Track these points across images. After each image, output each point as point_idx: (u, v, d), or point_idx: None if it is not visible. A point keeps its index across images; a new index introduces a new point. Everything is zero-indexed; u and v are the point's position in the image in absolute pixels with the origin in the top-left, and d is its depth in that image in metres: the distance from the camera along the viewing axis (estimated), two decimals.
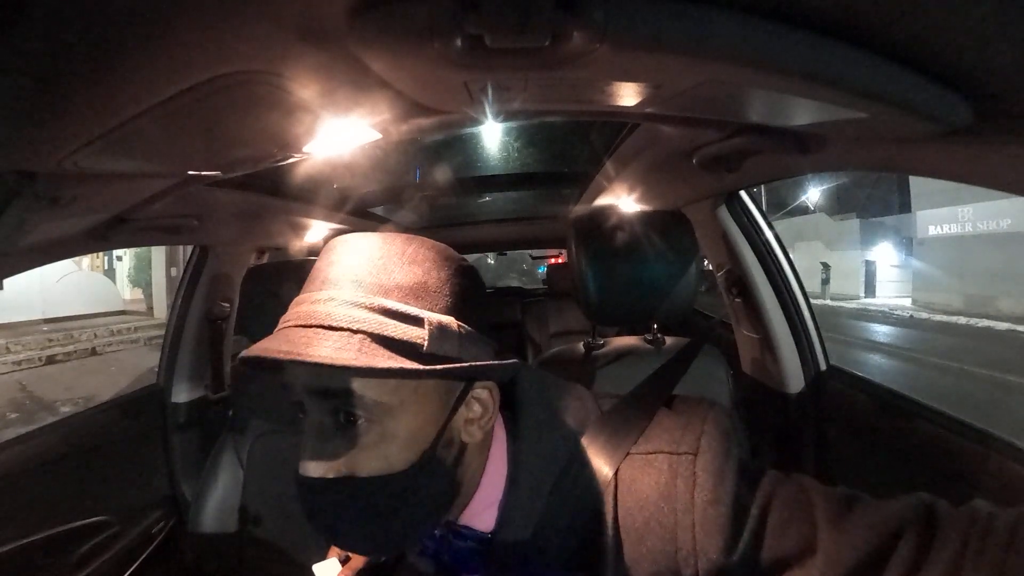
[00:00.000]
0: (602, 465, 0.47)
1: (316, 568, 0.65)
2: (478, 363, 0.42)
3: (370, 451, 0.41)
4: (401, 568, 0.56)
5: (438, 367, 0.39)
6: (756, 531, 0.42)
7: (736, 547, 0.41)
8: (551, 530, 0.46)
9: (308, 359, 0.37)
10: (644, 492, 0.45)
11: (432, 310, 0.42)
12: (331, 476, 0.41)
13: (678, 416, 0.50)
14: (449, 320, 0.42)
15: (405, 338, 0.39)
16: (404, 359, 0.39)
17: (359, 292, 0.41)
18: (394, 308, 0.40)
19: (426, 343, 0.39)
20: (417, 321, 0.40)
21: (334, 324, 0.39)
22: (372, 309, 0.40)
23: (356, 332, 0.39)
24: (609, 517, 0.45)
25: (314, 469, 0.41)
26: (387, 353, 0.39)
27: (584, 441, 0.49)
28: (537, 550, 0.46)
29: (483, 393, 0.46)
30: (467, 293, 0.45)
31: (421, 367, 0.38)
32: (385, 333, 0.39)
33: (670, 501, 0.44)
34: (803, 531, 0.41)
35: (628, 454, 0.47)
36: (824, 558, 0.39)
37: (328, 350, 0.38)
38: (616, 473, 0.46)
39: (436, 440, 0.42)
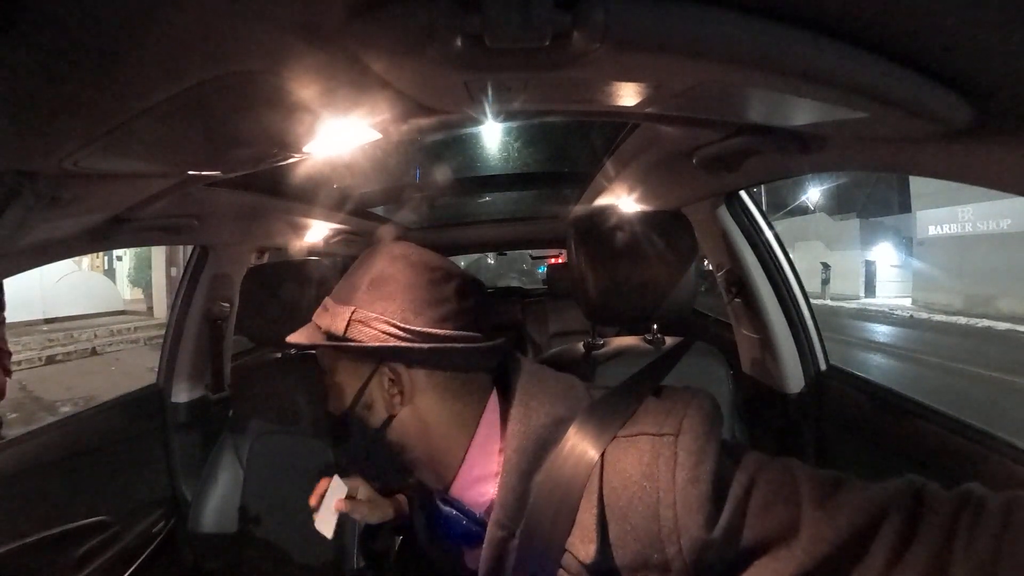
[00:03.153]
0: (589, 448, 0.49)
1: (334, 480, 0.74)
2: (344, 344, 0.53)
3: (328, 395, 0.58)
4: (408, 545, 0.64)
5: (319, 343, 0.55)
6: (738, 510, 0.43)
7: (716, 524, 0.42)
8: (542, 511, 0.48)
9: (289, 340, 0.59)
10: (627, 472, 0.46)
11: (347, 302, 0.54)
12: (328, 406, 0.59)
13: (664, 402, 0.51)
14: (345, 308, 0.53)
15: (318, 322, 0.56)
16: (320, 337, 0.55)
17: (330, 294, 0.58)
18: (324, 303, 0.57)
19: (323, 326, 0.55)
20: (327, 310, 0.56)
21: (314, 316, 0.59)
22: (322, 305, 0.58)
23: (312, 321, 0.58)
24: (595, 497, 0.47)
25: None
26: (316, 333, 0.56)
27: (573, 427, 0.51)
28: (529, 530, 0.48)
29: (400, 373, 0.53)
30: (396, 287, 0.54)
31: (316, 342, 0.55)
32: (315, 319, 0.58)
33: (652, 480, 0.45)
34: (787, 511, 0.42)
35: (614, 437, 0.49)
36: (807, 538, 0.40)
37: (297, 333, 0.59)
38: (602, 455, 0.48)
39: (355, 400, 0.55)
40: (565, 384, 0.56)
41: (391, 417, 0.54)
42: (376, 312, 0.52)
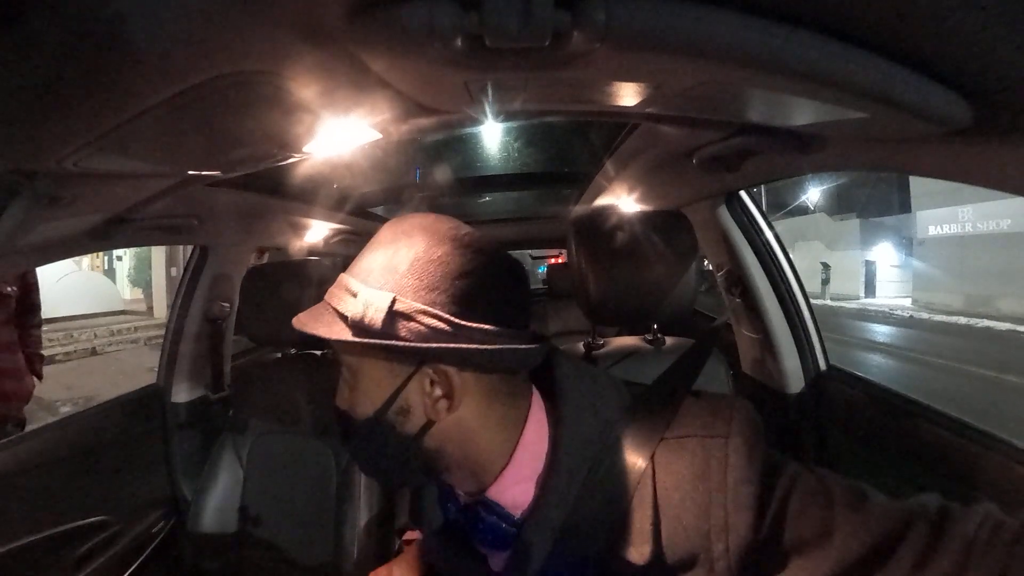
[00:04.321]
0: (639, 450, 0.48)
1: None
2: (388, 342, 0.44)
3: (348, 394, 0.50)
4: (428, 546, 0.60)
5: (347, 339, 0.44)
6: (779, 513, 0.43)
7: (762, 526, 0.43)
8: (584, 513, 0.47)
9: (295, 323, 0.48)
10: (680, 473, 0.46)
11: (383, 288, 0.45)
12: (337, 403, 0.52)
13: (706, 404, 0.51)
14: (382, 296, 0.44)
15: (342, 309, 0.45)
16: (345, 329, 0.45)
17: (348, 272, 0.49)
18: (348, 284, 0.47)
19: (350, 314, 0.44)
20: (355, 296, 0.45)
21: (326, 298, 0.49)
22: (339, 285, 0.48)
23: (327, 305, 0.48)
24: (648, 499, 0.46)
25: (336, 397, 0.52)
26: (337, 322, 0.46)
27: (620, 427, 0.50)
28: (569, 533, 0.47)
29: (449, 376, 0.46)
30: (446, 274, 0.45)
31: (346, 338, 0.44)
32: (335, 305, 0.47)
33: (704, 480, 0.45)
34: (822, 516, 0.42)
35: (662, 439, 0.49)
36: (840, 540, 0.41)
37: (303, 314, 0.49)
38: (652, 458, 0.48)
39: (386, 405, 0.47)
40: (607, 382, 0.55)
41: (430, 423, 0.47)
42: (422, 302, 0.44)
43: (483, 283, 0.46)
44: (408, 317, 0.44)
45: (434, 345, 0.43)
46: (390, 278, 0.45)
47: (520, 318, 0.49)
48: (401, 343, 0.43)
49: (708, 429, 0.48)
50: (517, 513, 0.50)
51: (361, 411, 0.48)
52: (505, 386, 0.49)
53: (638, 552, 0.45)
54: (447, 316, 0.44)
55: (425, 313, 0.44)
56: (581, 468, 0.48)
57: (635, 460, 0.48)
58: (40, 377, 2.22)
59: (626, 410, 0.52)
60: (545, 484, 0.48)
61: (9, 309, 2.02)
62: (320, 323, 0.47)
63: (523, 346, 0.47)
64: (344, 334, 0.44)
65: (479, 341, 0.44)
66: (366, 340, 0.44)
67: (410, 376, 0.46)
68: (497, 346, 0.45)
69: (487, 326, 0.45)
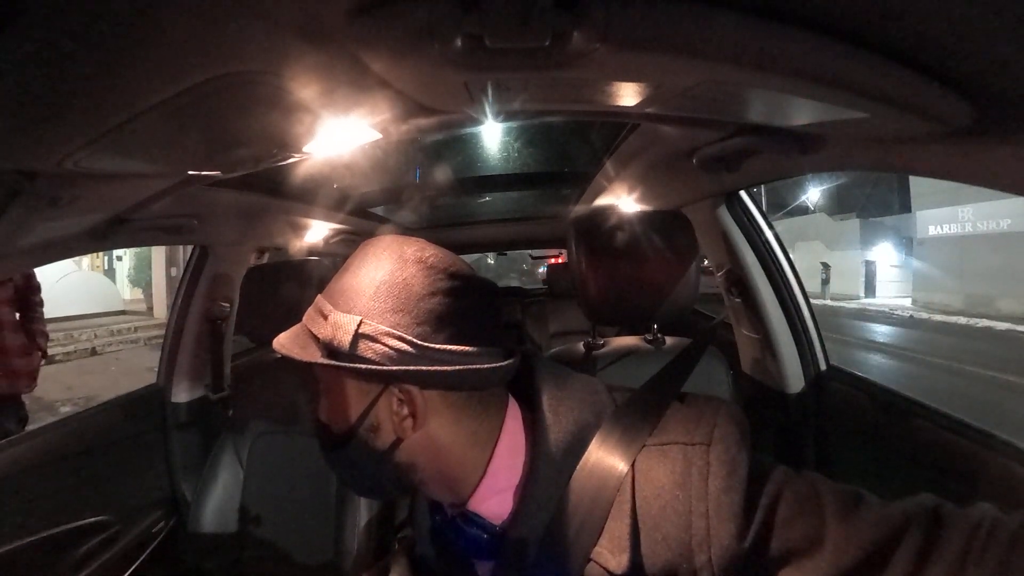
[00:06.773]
0: (619, 457, 0.48)
1: None
2: (352, 365, 0.45)
3: (326, 408, 0.52)
4: (410, 558, 0.60)
5: (318, 361, 0.46)
6: (765, 521, 0.43)
7: (747, 535, 0.42)
8: (566, 521, 0.47)
9: (275, 344, 0.50)
10: (660, 481, 0.46)
11: (351, 311, 0.46)
12: (318, 415, 0.53)
13: (691, 409, 0.51)
14: (350, 319, 0.46)
15: (315, 331, 0.48)
16: (317, 351, 0.47)
17: (323, 294, 0.50)
18: (321, 306, 0.49)
19: (321, 336, 0.46)
20: (326, 318, 0.47)
21: (304, 318, 0.51)
22: (315, 307, 0.50)
23: (304, 326, 0.50)
24: (627, 507, 0.46)
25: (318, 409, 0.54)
26: (311, 344, 0.48)
27: (600, 434, 0.50)
28: (550, 541, 0.47)
29: (413, 396, 0.47)
30: (410, 296, 0.46)
31: (317, 360, 0.46)
32: (309, 326, 0.49)
33: (685, 489, 0.45)
34: (812, 524, 0.42)
35: (644, 446, 0.48)
36: (832, 550, 0.40)
37: (283, 335, 0.51)
38: (633, 465, 0.47)
39: (358, 422, 0.48)
40: (589, 387, 0.54)
41: (399, 440, 0.48)
42: (387, 325, 0.45)
43: (448, 304, 0.47)
44: (373, 339, 0.45)
45: (393, 368, 0.45)
46: (358, 301, 0.47)
47: (488, 335, 0.49)
48: (364, 366, 0.45)
49: (690, 436, 0.47)
50: (498, 523, 0.50)
51: (336, 426, 0.50)
52: (475, 402, 0.50)
53: (616, 561, 0.45)
54: (411, 338, 0.45)
55: (390, 335, 0.45)
56: (560, 477, 0.48)
57: (615, 467, 0.47)
58: (44, 354, 2.27)
59: (609, 416, 0.51)
60: (524, 494, 0.48)
61: (10, 290, 2.11)
62: (296, 344, 0.49)
63: (486, 365, 0.47)
64: (316, 356, 0.47)
65: (443, 361, 0.46)
66: (334, 363, 0.46)
67: (378, 396, 0.47)
68: (458, 367, 0.46)
69: (453, 346, 0.46)
